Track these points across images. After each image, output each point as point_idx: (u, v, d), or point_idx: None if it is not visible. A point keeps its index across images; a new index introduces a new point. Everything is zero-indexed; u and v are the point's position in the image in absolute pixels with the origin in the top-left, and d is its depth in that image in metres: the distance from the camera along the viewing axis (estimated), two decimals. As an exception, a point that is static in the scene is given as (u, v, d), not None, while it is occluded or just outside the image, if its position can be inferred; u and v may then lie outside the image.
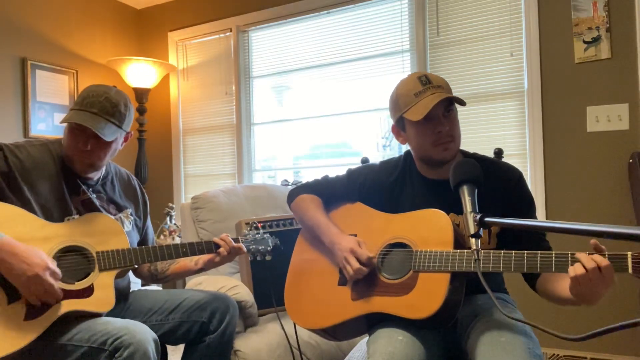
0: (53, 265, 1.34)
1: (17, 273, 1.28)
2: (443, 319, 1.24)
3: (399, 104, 1.42)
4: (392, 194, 1.51)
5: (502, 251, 1.17)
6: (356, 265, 1.33)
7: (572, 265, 1.07)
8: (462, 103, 1.36)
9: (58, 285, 1.34)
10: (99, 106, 1.50)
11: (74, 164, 1.55)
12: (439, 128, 1.36)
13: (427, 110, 1.32)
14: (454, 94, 1.39)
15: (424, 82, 1.37)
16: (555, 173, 2.72)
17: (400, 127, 1.48)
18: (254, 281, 2.06)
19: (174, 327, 1.61)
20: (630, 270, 1.01)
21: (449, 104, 1.38)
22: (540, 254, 1.12)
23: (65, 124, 1.53)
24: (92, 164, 1.55)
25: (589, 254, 1.05)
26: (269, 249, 1.74)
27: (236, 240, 1.69)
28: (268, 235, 1.76)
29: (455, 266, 1.23)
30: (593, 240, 1.06)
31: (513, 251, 1.16)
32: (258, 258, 1.74)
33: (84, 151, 1.51)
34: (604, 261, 1.03)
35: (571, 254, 1.08)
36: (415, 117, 1.36)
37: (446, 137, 1.37)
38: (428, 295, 1.23)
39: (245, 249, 1.69)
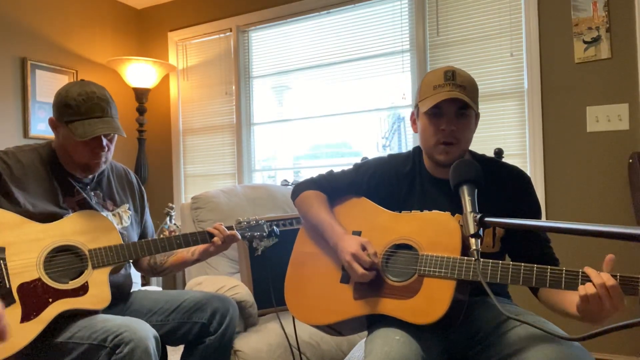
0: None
1: None
2: (446, 324, 1.23)
3: (420, 92, 1.43)
4: (400, 189, 1.49)
5: (511, 263, 1.16)
6: (360, 271, 1.31)
7: (582, 284, 1.05)
8: (473, 109, 1.35)
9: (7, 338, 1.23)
10: (99, 108, 1.49)
11: (89, 168, 1.56)
12: (444, 126, 1.35)
13: (434, 103, 1.32)
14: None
15: (448, 77, 1.36)
16: (555, 173, 2.72)
17: (416, 115, 1.48)
18: (254, 281, 2.06)
19: (174, 327, 1.61)
20: None
21: (465, 106, 1.36)
22: (550, 269, 1.10)
23: (63, 135, 1.51)
24: (105, 161, 1.58)
25: (598, 273, 1.04)
26: (264, 234, 1.73)
27: (230, 228, 1.68)
28: (263, 221, 1.76)
29: (461, 274, 1.21)
30: (609, 256, 1.04)
31: (522, 264, 1.14)
32: (254, 245, 1.72)
33: (99, 154, 1.52)
34: (610, 280, 1.01)
35: (582, 273, 1.06)
36: (424, 107, 1.36)
37: (450, 137, 1.36)
38: (432, 301, 1.22)
39: (239, 236, 1.68)
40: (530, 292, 1.36)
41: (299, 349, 1.86)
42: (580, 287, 1.05)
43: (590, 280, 1.04)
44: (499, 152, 1.86)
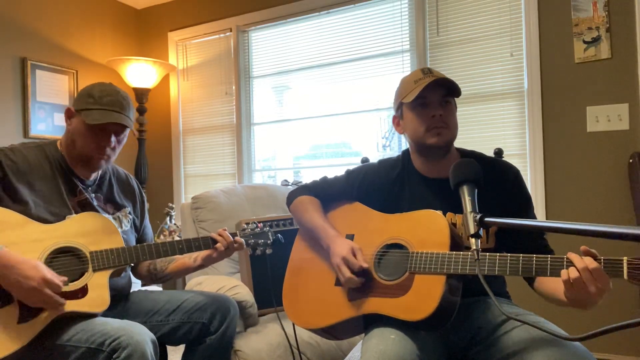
0: (50, 275, 1.32)
1: (15, 286, 1.29)
2: (439, 321, 1.24)
3: (400, 91, 1.47)
4: (391, 193, 1.51)
5: (498, 254, 1.17)
6: (347, 275, 1.34)
7: (566, 268, 1.07)
8: (457, 91, 1.40)
9: (60, 291, 1.33)
10: (119, 104, 1.54)
11: (90, 163, 1.56)
12: (433, 112, 1.39)
13: (421, 88, 1.37)
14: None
15: (426, 72, 1.42)
16: (555, 173, 2.72)
17: (399, 116, 1.51)
18: (254, 281, 2.06)
19: (174, 328, 1.61)
20: (625, 276, 1.00)
21: (447, 94, 1.41)
22: (536, 257, 1.12)
23: (75, 124, 1.54)
24: (108, 159, 1.59)
25: (581, 257, 1.05)
26: (269, 242, 1.73)
27: (234, 234, 1.68)
28: (268, 228, 1.75)
29: (451, 268, 1.23)
30: (583, 247, 1.06)
31: (509, 254, 1.16)
32: (258, 252, 1.71)
33: (104, 148, 1.54)
34: (592, 263, 1.03)
35: (566, 259, 1.08)
36: (410, 97, 1.40)
37: (440, 122, 1.39)
38: (424, 297, 1.23)
39: (244, 243, 1.68)
40: (529, 292, 1.36)
41: (298, 349, 1.87)
42: (563, 271, 1.06)
43: (572, 265, 1.05)
44: (499, 152, 1.86)
